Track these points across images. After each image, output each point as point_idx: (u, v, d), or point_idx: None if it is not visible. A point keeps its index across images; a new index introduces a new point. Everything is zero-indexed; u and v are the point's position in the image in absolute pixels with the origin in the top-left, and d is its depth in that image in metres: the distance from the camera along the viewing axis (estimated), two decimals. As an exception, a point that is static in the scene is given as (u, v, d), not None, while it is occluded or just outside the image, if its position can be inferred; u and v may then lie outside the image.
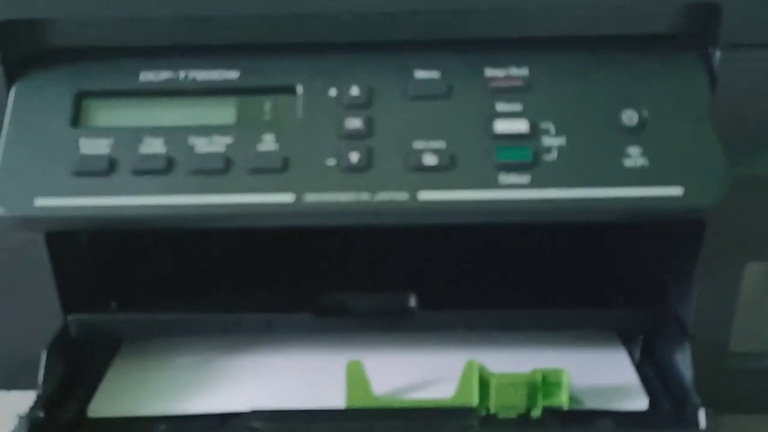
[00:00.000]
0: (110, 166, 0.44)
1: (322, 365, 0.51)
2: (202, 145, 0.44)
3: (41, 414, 0.45)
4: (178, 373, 0.52)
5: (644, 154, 0.43)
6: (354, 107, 0.44)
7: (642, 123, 0.43)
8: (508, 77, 0.45)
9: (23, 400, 0.53)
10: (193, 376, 0.51)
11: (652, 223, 0.49)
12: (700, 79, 0.44)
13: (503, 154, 0.43)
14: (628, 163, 0.43)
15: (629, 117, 0.43)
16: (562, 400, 0.46)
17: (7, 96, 0.45)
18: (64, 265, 0.51)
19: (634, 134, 0.43)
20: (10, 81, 0.45)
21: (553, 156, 0.43)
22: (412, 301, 0.51)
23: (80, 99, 0.45)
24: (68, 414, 0.48)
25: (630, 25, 0.45)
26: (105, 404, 0.49)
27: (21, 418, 0.44)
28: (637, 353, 0.51)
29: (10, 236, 0.48)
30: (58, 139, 0.44)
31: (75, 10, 0.44)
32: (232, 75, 0.46)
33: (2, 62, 0.45)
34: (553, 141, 0.43)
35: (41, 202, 0.43)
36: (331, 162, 0.43)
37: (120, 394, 0.50)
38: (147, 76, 0.46)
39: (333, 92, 0.45)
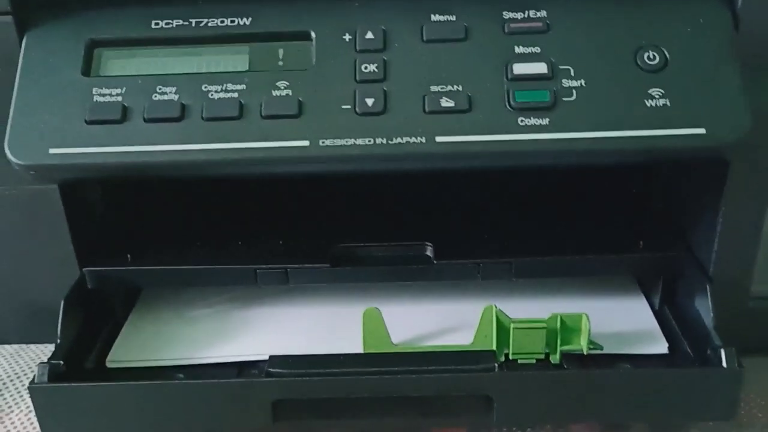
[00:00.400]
0: (123, 114, 0.43)
1: (339, 314, 0.51)
2: (216, 91, 0.44)
3: (61, 362, 0.45)
4: (195, 323, 0.52)
5: (666, 94, 0.42)
6: (369, 51, 0.44)
7: (663, 63, 0.43)
8: (526, 19, 0.44)
9: (44, 353, 0.54)
10: (211, 326, 0.51)
11: (673, 163, 0.48)
12: (722, 17, 0.43)
13: (522, 96, 0.42)
14: (649, 103, 0.42)
15: (650, 57, 0.42)
16: (582, 345, 0.45)
17: (19, 46, 0.45)
18: (78, 217, 0.51)
19: (655, 74, 0.42)
20: (21, 31, 0.45)
21: (572, 98, 0.42)
22: (429, 251, 0.51)
23: (92, 48, 0.45)
24: (88, 364, 0.48)
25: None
26: (123, 354, 0.49)
27: (42, 366, 0.44)
28: (657, 298, 0.51)
29: (25, 188, 0.48)
30: (71, 88, 0.44)
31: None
32: (245, 21, 0.45)
33: (13, 12, 0.44)
34: (572, 83, 0.42)
35: (55, 150, 0.43)
36: (346, 106, 0.43)
37: (138, 344, 0.50)
38: (159, 24, 0.45)
39: (347, 37, 0.44)
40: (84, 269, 0.51)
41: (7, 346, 0.55)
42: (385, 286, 0.52)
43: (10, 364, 0.53)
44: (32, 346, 0.55)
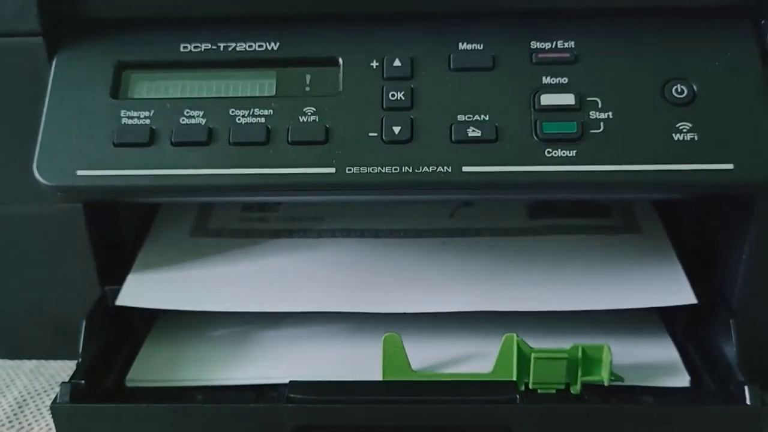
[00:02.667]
0: (151, 137, 0.43)
1: (359, 338, 0.51)
2: (243, 116, 0.44)
3: (82, 382, 0.45)
4: (214, 343, 0.52)
5: (694, 128, 0.42)
6: (396, 79, 0.44)
7: (691, 96, 0.42)
8: (554, 49, 0.44)
9: (64, 369, 0.54)
10: (230, 347, 0.51)
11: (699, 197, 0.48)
12: (752, 51, 0.43)
13: (549, 127, 0.42)
14: (677, 137, 0.42)
15: (678, 90, 0.42)
16: (603, 376, 0.45)
17: (49, 67, 0.45)
18: (102, 236, 0.51)
19: (683, 108, 0.42)
20: (51, 52, 0.45)
21: (600, 130, 0.42)
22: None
23: (121, 70, 0.45)
24: (107, 382, 0.49)
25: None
26: (143, 373, 0.49)
27: (64, 385, 0.44)
28: (680, 330, 0.51)
29: (49, 206, 0.48)
30: (99, 110, 0.44)
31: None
32: (273, 46, 0.45)
33: (43, 33, 0.44)
34: (600, 114, 0.42)
35: (82, 172, 0.43)
36: (373, 134, 0.43)
37: (158, 364, 0.50)
38: (187, 48, 0.46)
39: (375, 63, 0.44)
40: (106, 287, 0.52)
41: (27, 362, 0.55)
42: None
43: (30, 380, 0.53)
44: (52, 362, 0.55)
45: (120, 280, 0.52)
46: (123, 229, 0.55)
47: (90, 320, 0.49)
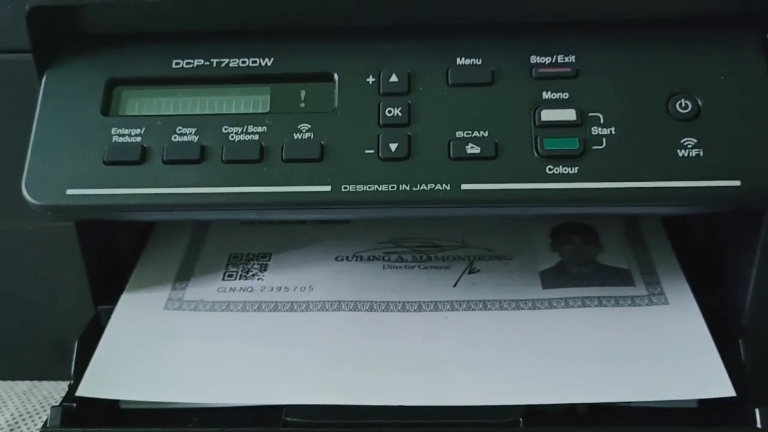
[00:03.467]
0: (142, 155, 0.43)
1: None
2: (236, 133, 0.43)
3: (74, 405, 0.44)
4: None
5: (699, 144, 0.41)
6: (393, 94, 0.43)
7: (696, 112, 0.41)
8: (554, 64, 0.43)
9: (57, 390, 0.53)
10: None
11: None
12: (758, 64, 0.42)
13: (550, 143, 0.41)
14: (681, 153, 0.41)
15: (683, 105, 0.41)
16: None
17: (39, 84, 0.44)
18: (95, 255, 0.50)
19: (688, 123, 0.41)
20: (41, 69, 0.44)
21: (602, 146, 0.41)
22: None
23: (112, 87, 0.45)
24: (101, 404, 0.47)
25: (683, 6, 0.43)
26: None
27: (54, 409, 0.43)
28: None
29: (42, 224, 0.47)
30: (90, 128, 0.44)
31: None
32: (267, 62, 0.45)
33: (33, 50, 0.44)
34: (602, 130, 0.41)
35: (72, 191, 0.42)
36: (369, 151, 0.42)
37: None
38: (180, 63, 0.45)
39: (371, 79, 0.44)
40: (99, 307, 0.51)
41: (20, 383, 0.54)
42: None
43: (23, 402, 0.52)
44: (45, 383, 0.54)
45: (114, 300, 0.51)
46: (117, 247, 0.54)
47: (83, 341, 0.48)
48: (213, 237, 0.56)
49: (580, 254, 0.51)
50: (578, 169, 0.41)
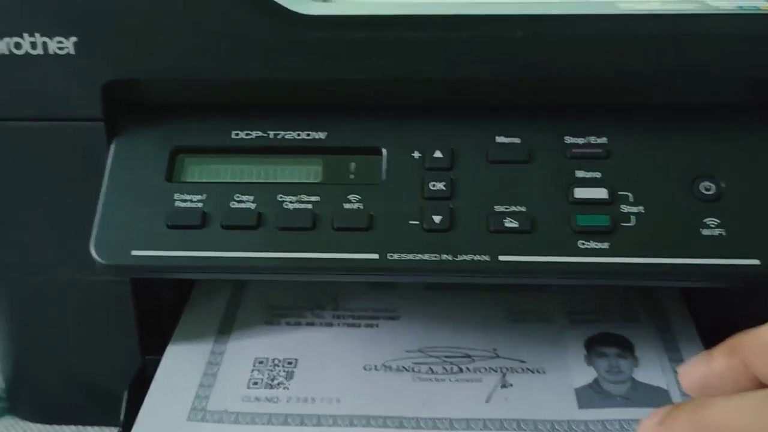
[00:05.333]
0: (203, 220, 0.46)
1: None
2: (290, 202, 0.46)
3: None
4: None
5: (721, 224, 0.44)
6: (437, 169, 0.46)
7: (718, 193, 0.44)
8: (587, 144, 0.46)
9: (100, 437, 0.56)
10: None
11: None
12: (777, 150, 0.45)
13: (583, 220, 0.44)
14: (705, 232, 0.44)
15: (706, 187, 0.44)
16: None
17: (108, 150, 0.48)
18: (145, 308, 0.53)
19: (711, 204, 0.44)
20: (110, 136, 0.48)
21: (631, 223, 0.44)
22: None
23: (175, 154, 0.48)
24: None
25: (708, 94, 0.47)
26: None
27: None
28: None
29: (97, 278, 0.50)
30: (154, 193, 0.47)
31: (171, 73, 0.46)
32: (320, 135, 0.48)
33: (104, 119, 0.47)
34: (631, 209, 0.44)
35: (137, 252, 0.45)
36: (414, 222, 0.45)
37: None
38: (239, 134, 0.48)
39: (416, 154, 0.47)
40: (147, 357, 0.53)
41: (65, 428, 0.57)
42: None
43: (71, 447, 0.55)
44: (89, 428, 0.57)
45: (159, 350, 0.53)
46: (160, 299, 0.57)
47: (132, 390, 0.51)
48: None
49: (616, 370, 0.50)
50: (609, 245, 0.44)
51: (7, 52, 0.45)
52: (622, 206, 0.44)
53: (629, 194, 0.45)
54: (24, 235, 0.50)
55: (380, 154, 0.47)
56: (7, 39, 0.45)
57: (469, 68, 0.45)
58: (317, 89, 0.48)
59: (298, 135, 0.48)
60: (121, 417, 0.50)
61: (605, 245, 0.44)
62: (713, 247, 0.43)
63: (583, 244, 0.44)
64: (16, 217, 0.49)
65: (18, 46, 0.45)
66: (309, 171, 0.47)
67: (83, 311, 0.53)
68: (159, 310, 0.56)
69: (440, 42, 0.45)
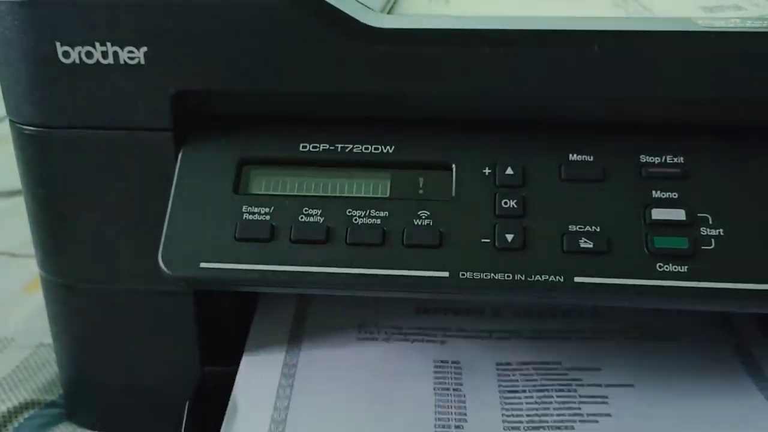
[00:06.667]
0: (271, 233, 0.45)
1: None
2: (360, 217, 0.45)
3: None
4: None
5: (808, 248, 0.42)
6: (508, 186, 0.45)
7: (804, 215, 0.43)
8: (663, 164, 0.45)
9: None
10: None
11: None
12: None
13: (660, 242, 0.43)
14: (790, 256, 0.42)
15: (791, 209, 0.43)
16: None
17: (175, 160, 0.47)
18: (206, 319, 0.53)
19: (796, 227, 0.43)
20: (178, 146, 0.47)
21: (711, 246, 0.43)
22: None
23: (242, 166, 0.47)
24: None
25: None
26: None
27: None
28: None
29: (160, 288, 0.50)
30: (222, 204, 0.46)
31: (240, 84, 0.46)
32: (388, 149, 0.47)
33: (173, 129, 0.47)
34: (711, 231, 0.43)
35: (206, 265, 0.45)
36: (486, 240, 0.44)
37: None
38: (306, 147, 0.48)
39: (487, 170, 0.46)
40: (206, 368, 0.53)
41: (122, 436, 0.57)
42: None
43: (128, 455, 0.55)
44: (146, 437, 0.57)
45: (219, 361, 0.53)
46: (225, 310, 0.56)
47: (193, 401, 0.50)
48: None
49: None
50: (688, 268, 0.42)
51: (78, 61, 0.45)
52: (702, 228, 0.43)
53: (709, 216, 0.44)
54: (92, 244, 0.50)
55: (450, 169, 0.46)
56: (78, 48, 0.45)
57: (543, 84, 0.44)
58: (386, 103, 0.47)
59: (366, 149, 0.47)
60: (183, 429, 0.50)
61: (684, 269, 0.42)
62: (798, 273, 0.42)
63: (661, 267, 0.43)
64: (85, 225, 0.49)
65: (89, 55, 0.45)
66: (377, 185, 0.47)
67: (146, 320, 0.53)
68: (220, 321, 0.55)
69: (513, 57, 0.44)
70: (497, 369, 0.51)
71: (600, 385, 0.49)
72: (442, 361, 0.52)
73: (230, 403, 0.49)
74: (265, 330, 0.56)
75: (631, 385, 0.49)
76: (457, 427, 0.47)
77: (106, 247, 0.50)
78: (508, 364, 0.51)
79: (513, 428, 0.46)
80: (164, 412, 0.53)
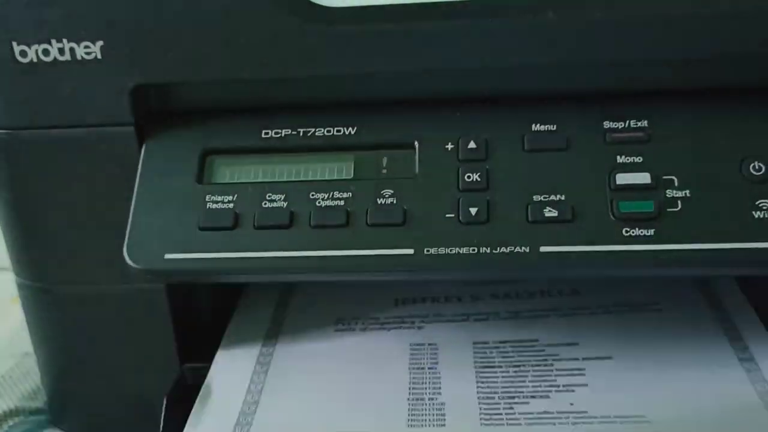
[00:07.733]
0: (235, 221, 0.45)
1: None
2: (323, 199, 0.45)
3: (166, 461, 0.46)
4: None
5: (774, 205, 0.42)
6: (471, 161, 0.45)
7: (770, 173, 0.42)
8: (627, 128, 0.45)
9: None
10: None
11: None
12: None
13: (626, 206, 0.42)
14: (756, 215, 0.42)
15: (756, 168, 0.42)
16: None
17: (138, 155, 0.47)
18: (182, 315, 0.52)
19: (762, 185, 0.42)
20: (140, 140, 0.47)
21: (677, 209, 0.42)
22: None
23: (205, 156, 0.47)
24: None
25: (751, 75, 0.45)
26: None
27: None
28: None
29: (132, 286, 0.50)
30: (185, 195, 0.46)
31: (198, 75, 0.46)
32: (350, 131, 0.47)
33: (134, 123, 0.47)
34: (676, 193, 0.43)
35: (170, 256, 0.45)
36: (450, 215, 0.44)
37: None
38: (268, 133, 0.47)
39: (449, 146, 0.45)
40: (184, 365, 0.53)
41: (105, 438, 0.57)
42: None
43: (111, 456, 0.55)
44: (128, 438, 0.57)
45: (198, 358, 0.53)
46: (201, 306, 0.56)
47: (171, 398, 0.50)
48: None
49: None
50: (654, 231, 0.42)
51: (35, 60, 0.45)
52: (667, 191, 0.43)
53: (674, 178, 0.43)
54: (63, 245, 0.50)
55: (413, 147, 0.46)
56: (35, 46, 0.45)
57: (501, 54, 0.44)
58: (346, 84, 0.47)
59: (328, 131, 0.47)
60: (161, 427, 0.49)
61: (650, 232, 0.42)
62: (766, 230, 0.41)
63: (627, 231, 0.42)
64: (54, 226, 0.49)
65: (46, 52, 0.45)
66: (341, 167, 0.46)
67: (121, 320, 0.52)
68: (198, 318, 0.55)
69: (469, 28, 0.44)
70: (474, 347, 0.51)
71: (577, 359, 0.49)
72: (418, 344, 0.52)
73: (203, 388, 0.49)
74: (244, 324, 0.55)
75: (609, 357, 0.48)
76: (431, 399, 0.46)
77: (77, 246, 0.50)
78: (485, 343, 0.51)
79: (488, 398, 0.46)
80: (148, 414, 0.53)
